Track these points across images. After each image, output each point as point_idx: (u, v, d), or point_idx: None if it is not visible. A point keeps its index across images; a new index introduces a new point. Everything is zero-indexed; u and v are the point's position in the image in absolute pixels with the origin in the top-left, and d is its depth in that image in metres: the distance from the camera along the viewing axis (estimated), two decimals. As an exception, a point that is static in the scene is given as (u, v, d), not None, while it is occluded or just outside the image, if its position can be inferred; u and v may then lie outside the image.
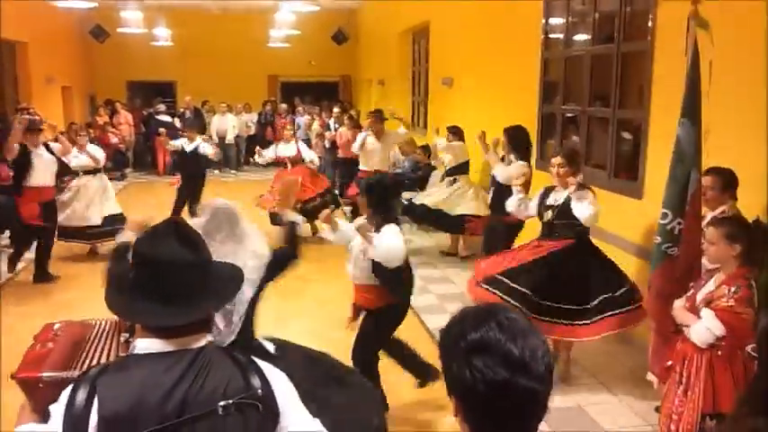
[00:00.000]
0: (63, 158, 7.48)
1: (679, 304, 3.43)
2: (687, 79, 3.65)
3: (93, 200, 7.94)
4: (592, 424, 4.19)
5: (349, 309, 4.40)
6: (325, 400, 2.43)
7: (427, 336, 5.60)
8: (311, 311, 6.36)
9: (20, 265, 7.39)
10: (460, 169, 7.97)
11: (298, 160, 8.93)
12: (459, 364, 1.25)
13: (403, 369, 4.44)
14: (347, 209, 9.66)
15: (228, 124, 15.83)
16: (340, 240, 4.25)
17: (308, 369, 3.00)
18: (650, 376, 3.99)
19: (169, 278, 1.58)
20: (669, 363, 3.48)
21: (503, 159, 6.47)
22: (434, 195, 8.03)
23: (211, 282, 1.64)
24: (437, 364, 1.36)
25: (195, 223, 2.61)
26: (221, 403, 1.51)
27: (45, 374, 1.85)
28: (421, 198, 8.15)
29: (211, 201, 2.81)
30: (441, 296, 6.54)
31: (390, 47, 14.07)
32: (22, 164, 6.80)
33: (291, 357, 3.06)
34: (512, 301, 4.39)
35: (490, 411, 1.26)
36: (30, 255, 7.40)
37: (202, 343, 1.60)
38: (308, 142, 13.17)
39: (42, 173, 6.96)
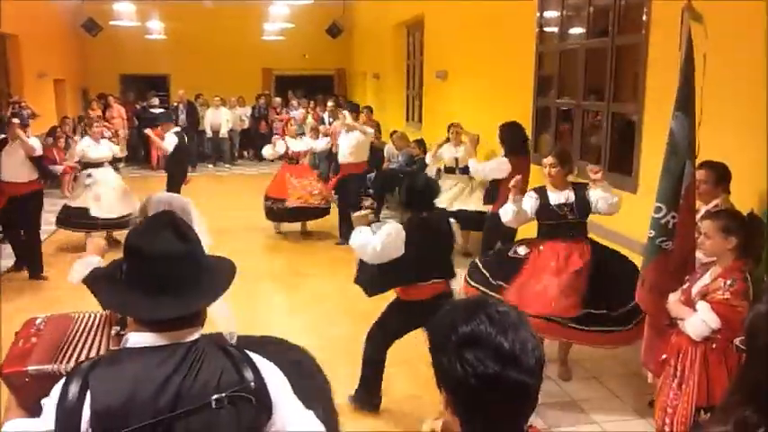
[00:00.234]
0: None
1: (674, 298, 3.44)
2: (681, 72, 3.65)
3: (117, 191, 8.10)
4: (586, 418, 4.20)
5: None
6: None
7: (420, 331, 5.58)
8: (308, 307, 6.35)
9: (10, 261, 7.33)
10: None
11: (306, 155, 8.96)
12: (450, 358, 1.25)
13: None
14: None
15: (222, 118, 15.79)
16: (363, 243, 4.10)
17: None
18: (645, 371, 4.00)
19: (162, 271, 1.57)
20: (664, 356, 3.49)
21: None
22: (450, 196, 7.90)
23: (204, 275, 1.64)
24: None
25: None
26: (214, 397, 1.51)
27: (31, 368, 1.84)
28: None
29: (158, 194, 2.78)
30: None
31: (385, 40, 14.04)
32: None
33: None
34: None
35: (481, 404, 1.26)
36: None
37: (195, 336, 1.59)
38: (302, 136, 13.18)
39: (12, 168, 6.88)
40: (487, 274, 4.71)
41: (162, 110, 15.36)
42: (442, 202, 7.53)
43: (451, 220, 4.26)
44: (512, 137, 6.43)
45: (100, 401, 1.45)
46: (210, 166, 15.93)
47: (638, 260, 4.13)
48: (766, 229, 3.55)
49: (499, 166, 6.41)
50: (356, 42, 17.52)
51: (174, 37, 16.16)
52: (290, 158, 8.85)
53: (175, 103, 15.88)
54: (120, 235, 7.91)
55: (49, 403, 1.49)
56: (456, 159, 7.79)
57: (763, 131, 3.88)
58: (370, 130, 8.78)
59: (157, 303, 1.55)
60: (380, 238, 3.94)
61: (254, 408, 1.56)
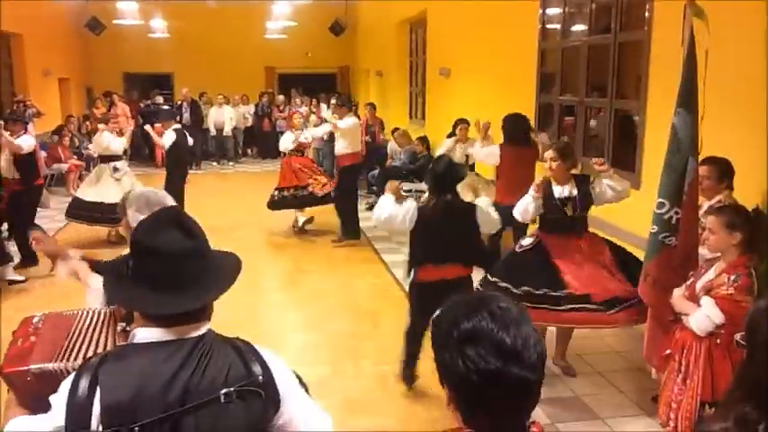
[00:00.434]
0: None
1: (678, 293, 3.44)
2: (683, 68, 3.65)
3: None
4: (589, 413, 4.20)
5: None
6: None
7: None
8: (309, 303, 6.38)
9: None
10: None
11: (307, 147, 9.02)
12: (452, 354, 1.26)
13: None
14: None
15: (226, 116, 15.80)
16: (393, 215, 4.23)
17: None
18: (648, 366, 4.01)
19: (168, 266, 1.58)
20: (668, 351, 3.49)
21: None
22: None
23: (210, 270, 1.64)
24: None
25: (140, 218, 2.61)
26: (223, 391, 1.52)
27: (33, 367, 1.83)
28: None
29: (138, 190, 2.79)
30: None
31: (388, 37, 14.04)
32: None
33: None
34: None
35: (483, 400, 1.27)
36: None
37: (202, 331, 1.60)
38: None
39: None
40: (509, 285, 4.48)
41: (165, 107, 15.44)
42: None
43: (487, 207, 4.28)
44: (512, 127, 6.46)
45: (109, 396, 1.46)
46: (214, 164, 15.95)
47: (640, 255, 4.13)
48: None
49: (490, 152, 6.54)
50: (359, 40, 17.52)
51: (178, 35, 16.19)
52: (297, 150, 8.88)
53: (179, 102, 15.89)
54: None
55: (59, 399, 1.50)
56: (467, 156, 7.79)
57: (765, 127, 3.88)
58: (342, 123, 8.73)
59: (164, 298, 1.55)
60: (393, 207, 4.19)
61: (263, 401, 1.57)
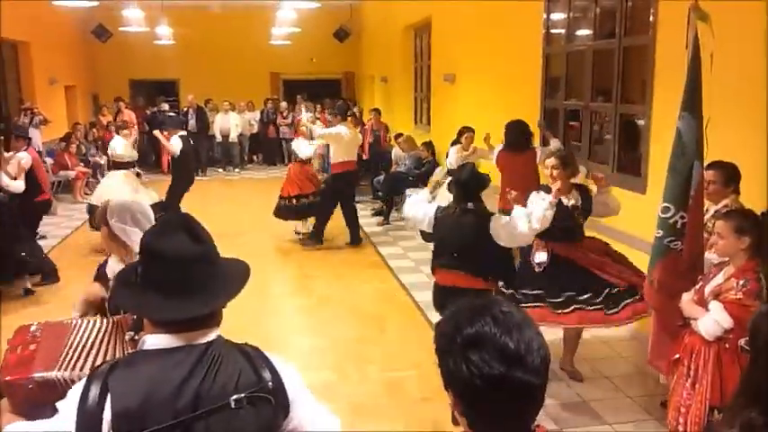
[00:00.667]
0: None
1: (687, 297, 3.43)
2: (687, 72, 3.64)
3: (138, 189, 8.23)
4: (597, 419, 4.19)
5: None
6: None
7: (431, 332, 5.60)
8: (315, 309, 6.38)
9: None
10: None
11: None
12: (456, 360, 1.26)
13: None
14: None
15: (231, 123, 15.84)
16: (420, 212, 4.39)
17: None
18: (662, 377, 3.99)
19: (176, 273, 1.58)
20: (677, 356, 3.48)
21: None
22: None
23: (219, 276, 1.65)
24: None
25: (127, 228, 2.62)
26: (234, 397, 1.52)
27: (36, 375, 1.83)
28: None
29: (119, 200, 2.80)
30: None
31: (392, 43, 14.06)
32: None
33: None
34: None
35: (487, 405, 1.27)
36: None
37: (211, 337, 1.60)
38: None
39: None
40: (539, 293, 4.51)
41: (172, 114, 15.50)
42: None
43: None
44: (509, 133, 6.53)
45: (120, 403, 1.46)
46: (220, 170, 15.99)
47: (646, 260, 4.12)
48: None
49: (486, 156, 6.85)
50: (363, 46, 17.55)
51: (183, 42, 16.25)
52: (303, 160, 8.93)
53: (185, 108, 15.95)
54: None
55: (68, 406, 1.50)
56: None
57: (770, 131, 3.87)
58: (320, 129, 8.75)
59: (172, 304, 1.56)
60: (418, 207, 4.38)
61: (273, 407, 1.57)
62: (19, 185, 6.83)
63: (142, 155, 15.92)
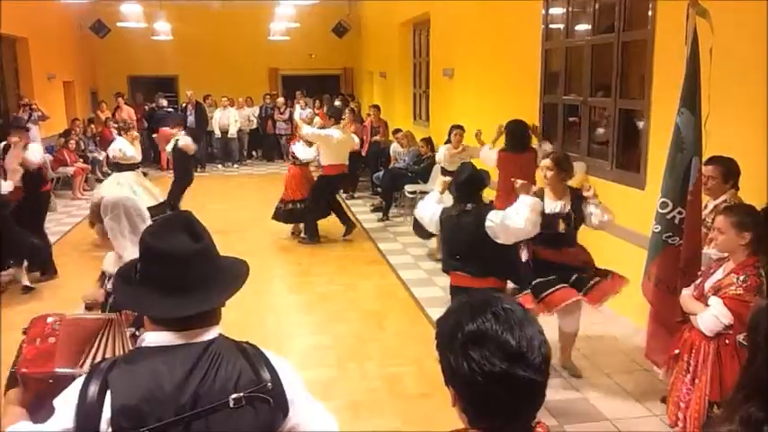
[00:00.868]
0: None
1: (687, 293, 3.44)
2: (686, 67, 3.65)
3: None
4: (596, 414, 4.20)
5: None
6: None
7: (431, 328, 5.61)
8: (314, 305, 6.38)
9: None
10: None
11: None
12: (457, 357, 1.27)
13: None
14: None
15: (230, 118, 15.83)
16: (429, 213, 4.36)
17: None
18: (656, 369, 4.00)
19: (175, 270, 1.58)
20: (676, 352, 3.49)
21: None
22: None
23: (218, 274, 1.65)
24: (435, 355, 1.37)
25: (112, 225, 2.61)
26: (233, 396, 1.52)
27: (59, 370, 1.82)
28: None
29: (113, 197, 2.78)
30: (445, 288, 6.53)
31: (391, 39, 14.04)
32: None
33: None
34: None
35: (488, 402, 1.27)
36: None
37: (211, 336, 1.61)
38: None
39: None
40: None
41: (170, 110, 15.49)
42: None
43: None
44: (509, 133, 6.57)
45: (120, 401, 1.47)
46: (219, 166, 15.98)
47: (644, 255, 4.13)
48: None
49: (488, 156, 6.75)
50: (362, 41, 17.53)
51: (182, 38, 16.22)
52: (300, 161, 8.87)
53: (184, 104, 15.94)
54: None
55: (66, 403, 1.50)
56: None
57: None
58: (307, 129, 8.71)
59: (171, 302, 1.56)
60: (427, 208, 4.36)
61: (272, 407, 1.58)
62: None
63: (142, 151, 15.96)
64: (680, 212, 3.64)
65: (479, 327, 1.26)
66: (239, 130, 16.14)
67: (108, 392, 1.47)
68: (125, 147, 8.37)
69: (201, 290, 1.60)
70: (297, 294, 6.75)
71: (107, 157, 8.55)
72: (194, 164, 11.37)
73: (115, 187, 8.12)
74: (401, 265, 7.57)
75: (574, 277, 4.44)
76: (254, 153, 17.17)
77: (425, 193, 9.30)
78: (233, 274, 1.70)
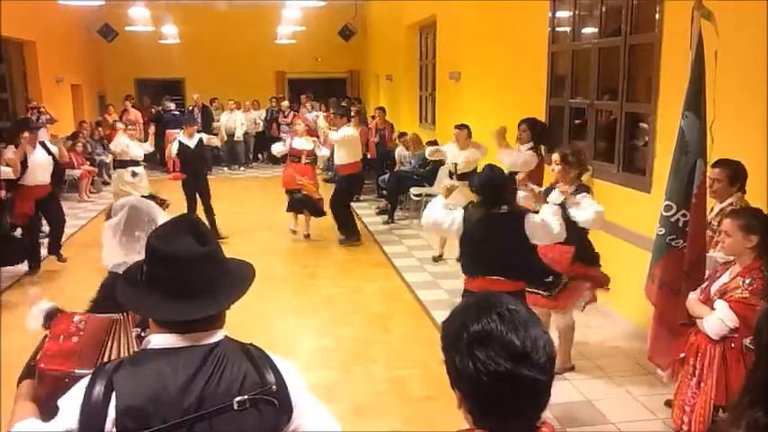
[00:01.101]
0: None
1: (693, 296, 3.42)
2: (691, 70, 3.64)
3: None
4: (601, 418, 4.19)
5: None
6: None
7: (436, 331, 5.60)
8: (318, 307, 6.39)
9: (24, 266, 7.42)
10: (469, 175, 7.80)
11: (311, 155, 8.93)
12: (462, 357, 1.27)
13: None
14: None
15: (237, 121, 15.86)
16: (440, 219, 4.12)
17: None
18: (660, 372, 3.98)
19: (181, 273, 1.59)
20: (682, 355, 3.48)
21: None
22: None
23: (224, 278, 1.65)
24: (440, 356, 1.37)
25: (111, 222, 2.61)
26: (237, 399, 1.52)
27: (78, 371, 1.81)
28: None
29: (127, 198, 2.80)
30: (450, 291, 6.54)
31: (397, 42, 14.06)
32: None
33: None
34: None
35: (494, 401, 1.28)
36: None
37: (217, 338, 1.61)
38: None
39: (37, 172, 7.18)
40: None
41: (177, 113, 15.53)
42: None
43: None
44: (538, 131, 6.56)
45: (125, 402, 1.47)
46: (225, 169, 16.01)
47: (648, 258, 4.11)
48: None
49: (531, 160, 6.46)
50: (369, 44, 17.56)
51: (189, 41, 16.28)
52: (293, 156, 8.85)
53: (190, 107, 15.98)
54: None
55: (71, 403, 1.51)
56: (455, 165, 7.60)
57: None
58: (335, 134, 8.73)
59: (175, 305, 1.56)
60: (441, 213, 4.08)
61: (276, 410, 1.58)
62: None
63: (147, 154, 15.99)
64: (684, 215, 3.63)
65: (484, 327, 1.27)
66: (245, 133, 16.17)
67: (113, 394, 1.48)
68: (130, 144, 8.54)
69: (207, 293, 1.60)
70: (301, 297, 6.75)
71: (113, 159, 8.61)
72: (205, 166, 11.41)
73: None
74: (406, 267, 7.57)
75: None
76: (259, 156, 17.19)
77: (431, 195, 9.31)
78: (239, 277, 1.70)
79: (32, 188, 7.18)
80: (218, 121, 15.84)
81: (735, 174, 3.84)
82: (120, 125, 8.77)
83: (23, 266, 7.39)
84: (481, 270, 3.99)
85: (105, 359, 1.91)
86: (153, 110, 16.16)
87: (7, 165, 6.91)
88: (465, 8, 9.54)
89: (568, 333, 4.72)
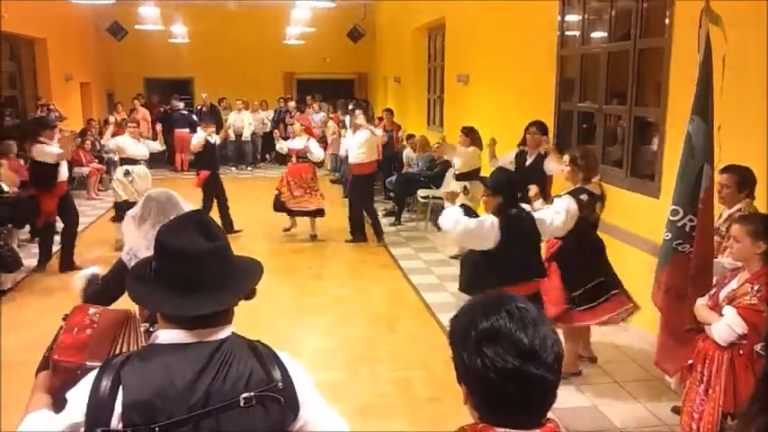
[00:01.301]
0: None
1: (701, 302, 3.41)
2: (698, 75, 3.62)
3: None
4: (607, 423, 4.17)
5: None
6: None
7: (441, 333, 5.60)
8: (325, 308, 6.39)
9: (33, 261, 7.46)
10: (470, 176, 7.63)
11: (304, 155, 8.93)
12: (470, 353, 1.28)
13: None
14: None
15: (245, 121, 15.90)
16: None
17: None
18: (667, 378, 3.97)
19: (189, 269, 1.59)
20: (690, 362, 3.46)
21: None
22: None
23: (232, 274, 1.65)
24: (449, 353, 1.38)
25: (131, 213, 2.65)
26: (243, 395, 1.53)
27: (89, 363, 1.83)
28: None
29: (150, 190, 2.85)
30: (456, 294, 6.54)
31: (406, 44, 14.06)
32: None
33: None
34: None
35: (500, 398, 1.29)
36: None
37: (224, 335, 1.61)
38: (323, 139, 13.19)
39: (62, 169, 7.28)
40: None
41: (185, 112, 15.58)
42: None
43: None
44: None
45: (132, 397, 1.48)
46: (233, 168, 16.04)
47: (655, 263, 4.10)
48: None
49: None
50: (377, 46, 17.57)
51: (198, 41, 16.34)
52: (299, 156, 8.91)
53: (199, 107, 16.03)
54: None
55: (78, 396, 1.51)
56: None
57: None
58: (379, 132, 8.84)
59: (184, 301, 1.57)
60: (475, 221, 3.85)
61: (282, 407, 1.58)
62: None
63: (155, 153, 16.02)
64: (690, 220, 3.61)
65: (493, 324, 1.28)
66: (253, 133, 16.20)
67: (120, 388, 1.48)
68: (127, 143, 8.55)
69: (215, 289, 1.60)
70: (308, 297, 6.76)
71: (121, 157, 8.60)
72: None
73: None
74: (413, 269, 7.57)
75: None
76: (267, 156, 17.22)
77: (438, 198, 9.33)
78: (247, 274, 1.70)
79: (61, 184, 7.26)
80: (226, 120, 15.90)
81: (743, 179, 3.83)
82: (110, 119, 8.79)
83: (32, 262, 7.45)
84: (525, 276, 3.89)
85: (117, 352, 1.92)
86: (161, 109, 16.21)
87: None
88: (474, 11, 9.54)
89: (573, 332, 4.71)
